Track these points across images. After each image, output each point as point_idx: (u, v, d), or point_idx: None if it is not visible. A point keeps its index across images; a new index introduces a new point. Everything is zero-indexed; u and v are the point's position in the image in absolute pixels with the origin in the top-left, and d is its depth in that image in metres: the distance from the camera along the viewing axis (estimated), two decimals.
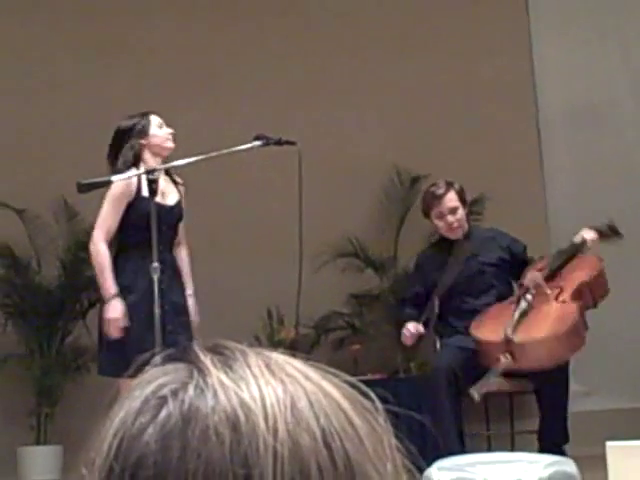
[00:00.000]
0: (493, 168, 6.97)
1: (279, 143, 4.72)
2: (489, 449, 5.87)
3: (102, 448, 0.66)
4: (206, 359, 0.68)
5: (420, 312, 5.66)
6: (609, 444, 4.50)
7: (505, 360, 5.14)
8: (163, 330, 4.64)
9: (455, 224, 5.75)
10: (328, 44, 7.26)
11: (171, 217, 4.97)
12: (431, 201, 5.79)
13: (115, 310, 4.75)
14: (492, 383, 5.24)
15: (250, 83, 7.18)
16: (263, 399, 0.65)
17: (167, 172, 5.00)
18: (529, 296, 5.45)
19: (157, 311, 4.29)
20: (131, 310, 4.74)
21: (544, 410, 5.40)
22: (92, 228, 6.83)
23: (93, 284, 6.85)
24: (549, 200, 7.22)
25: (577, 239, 5.73)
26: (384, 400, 0.72)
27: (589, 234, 5.76)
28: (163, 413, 0.65)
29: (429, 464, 3.63)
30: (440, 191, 5.76)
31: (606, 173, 7.24)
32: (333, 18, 7.32)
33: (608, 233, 5.88)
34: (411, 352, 6.66)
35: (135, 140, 4.90)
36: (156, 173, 4.41)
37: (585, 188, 7.22)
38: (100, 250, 4.83)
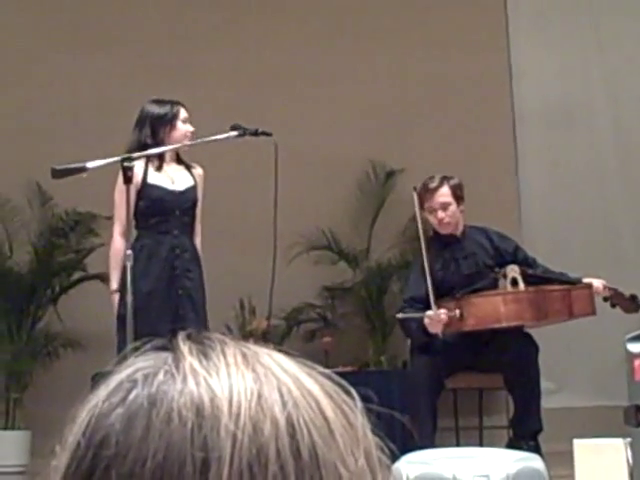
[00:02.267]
0: (468, 164, 6.99)
1: (255, 134, 4.72)
2: (458, 444, 5.91)
3: (75, 426, 0.68)
4: (184, 347, 0.69)
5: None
6: (576, 441, 4.55)
7: (452, 314, 5.26)
8: (176, 315, 4.82)
9: (446, 219, 5.62)
10: (306, 37, 7.26)
11: (182, 202, 5.05)
12: (424, 194, 5.66)
13: (113, 306, 4.91)
14: (419, 317, 5.37)
15: (227, 74, 7.17)
16: (231, 386, 0.66)
17: (179, 158, 5.15)
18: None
19: (129, 299, 4.29)
20: (145, 296, 4.79)
21: (517, 399, 5.41)
22: (66, 214, 6.88)
23: (65, 269, 6.86)
24: (522, 198, 7.26)
25: (586, 279, 5.70)
26: (366, 398, 0.73)
27: (601, 286, 5.71)
28: (132, 395, 0.66)
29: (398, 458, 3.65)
30: (433, 185, 5.65)
31: (579, 172, 7.29)
32: (311, 11, 7.32)
33: (626, 298, 5.75)
34: (383, 345, 6.69)
35: (160, 127, 5.02)
36: (133, 161, 4.41)
37: (558, 187, 7.26)
38: (112, 245, 5.01)
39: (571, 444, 4.53)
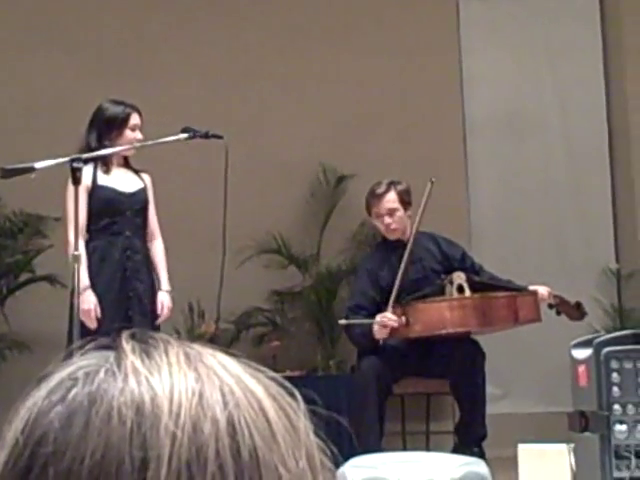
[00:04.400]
0: (418, 171, 7.02)
1: (206, 136, 4.73)
2: (404, 448, 5.93)
3: (14, 424, 0.67)
4: (127, 346, 0.69)
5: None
6: (521, 446, 4.59)
7: (399, 320, 5.27)
8: (125, 317, 4.84)
9: (392, 225, 5.66)
10: (259, 40, 7.26)
11: (133, 203, 5.09)
12: (371, 199, 5.71)
13: (88, 301, 4.83)
14: (364, 324, 5.42)
15: (180, 75, 7.15)
16: (172, 386, 0.66)
17: (126, 162, 5.17)
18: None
19: (75, 301, 4.27)
20: (99, 298, 4.87)
21: (462, 405, 5.44)
22: (14, 214, 6.82)
23: (13, 271, 6.80)
24: (472, 205, 7.31)
25: (532, 287, 5.73)
26: (311, 400, 0.73)
27: (545, 290, 5.75)
28: (72, 393, 0.66)
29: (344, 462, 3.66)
30: (380, 190, 5.68)
31: (528, 180, 7.35)
32: (264, 13, 7.31)
33: (571, 305, 5.82)
34: (331, 350, 6.70)
35: (107, 132, 5.03)
36: (81, 162, 4.39)
37: (508, 194, 7.32)
38: (69, 247, 4.94)
39: (516, 449, 4.58)
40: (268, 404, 0.68)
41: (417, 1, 7.39)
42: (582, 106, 7.46)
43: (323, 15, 7.31)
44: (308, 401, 0.72)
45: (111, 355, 0.69)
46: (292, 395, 0.71)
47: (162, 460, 0.63)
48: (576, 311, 5.82)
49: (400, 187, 5.74)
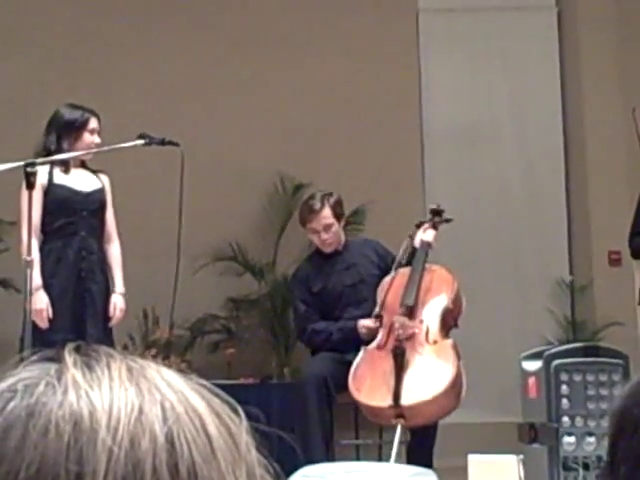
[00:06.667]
0: (376, 180, 7.06)
1: (162, 143, 4.72)
2: (358, 458, 5.93)
3: None
4: (70, 358, 0.69)
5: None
6: (471, 457, 4.62)
7: (399, 424, 5.06)
8: (79, 320, 4.85)
9: (329, 240, 5.81)
10: (217, 46, 7.25)
11: (89, 203, 5.08)
12: (307, 215, 5.85)
13: (40, 301, 4.81)
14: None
15: (138, 81, 7.12)
16: (111, 400, 0.65)
17: (83, 164, 5.17)
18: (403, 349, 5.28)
19: (27, 306, 4.25)
20: (54, 299, 4.85)
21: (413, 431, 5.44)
22: None
23: None
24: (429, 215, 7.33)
25: (419, 245, 5.62)
26: (255, 419, 0.73)
27: (428, 234, 5.70)
28: (10, 405, 0.66)
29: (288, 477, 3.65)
30: (316, 207, 5.79)
31: (484, 190, 7.40)
32: (223, 21, 7.31)
33: (438, 221, 5.83)
34: (286, 358, 6.70)
35: (65, 136, 5.02)
36: (35, 167, 4.37)
37: (464, 204, 7.35)
38: (24, 249, 4.92)
39: (466, 459, 4.60)
40: (209, 420, 0.67)
41: (376, 12, 7.42)
42: (538, 118, 7.52)
43: (281, 25, 7.32)
44: (250, 417, 0.73)
45: (53, 367, 0.68)
46: (235, 411, 0.71)
47: (98, 475, 0.63)
48: (441, 220, 5.86)
49: (332, 200, 5.84)
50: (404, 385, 5.11)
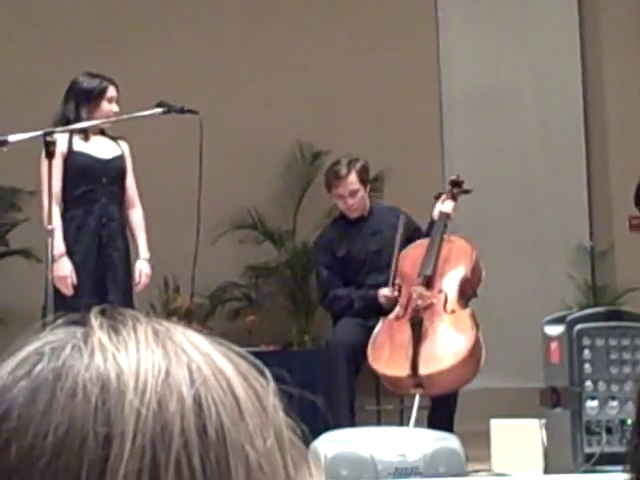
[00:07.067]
0: (394, 146, 7.04)
1: (181, 111, 4.72)
2: (379, 424, 5.95)
3: None
4: (96, 322, 0.68)
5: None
6: (493, 422, 4.63)
7: (417, 393, 5.08)
8: (102, 286, 4.87)
9: (355, 206, 5.79)
10: (235, 16, 7.23)
11: (110, 170, 5.07)
12: (333, 180, 5.81)
13: (64, 268, 4.80)
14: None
15: (156, 50, 7.11)
16: (138, 362, 0.65)
17: (102, 132, 5.14)
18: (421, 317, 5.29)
19: (49, 275, 4.27)
20: (77, 267, 4.85)
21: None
22: None
23: None
24: (447, 181, 7.31)
25: (438, 216, 5.64)
26: (281, 379, 0.73)
27: (447, 205, 5.70)
28: (37, 368, 0.66)
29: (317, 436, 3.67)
30: (342, 173, 5.76)
31: (504, 156, 7.38)
32: None
33: (457, 192, 5.82)
34: (306, 325, 6.72)
35: (84, 104, 4.99)
36: (54, 135, 4.37)
37: (483, 170, 7.34)
38: (46, 216, 4.90)
39: (488, 424, 4.61)
40: (237, 382, 0.67)
41: None
42: (558, 84, 7.48)
43: None
44: (279, 379, 0.72)
45: (79, 331, 0.68)
46: (262, 374, 0.70)
47: (126, 437, 0.62)
48: (461, 191, 5.85)
49: (359, 165, 5.81)
50: (422, 355, 5.13)
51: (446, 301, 5.36)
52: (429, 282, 5.40)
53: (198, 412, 0.64)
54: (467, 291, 5.49)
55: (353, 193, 5.77)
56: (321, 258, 5.88)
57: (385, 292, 5.56)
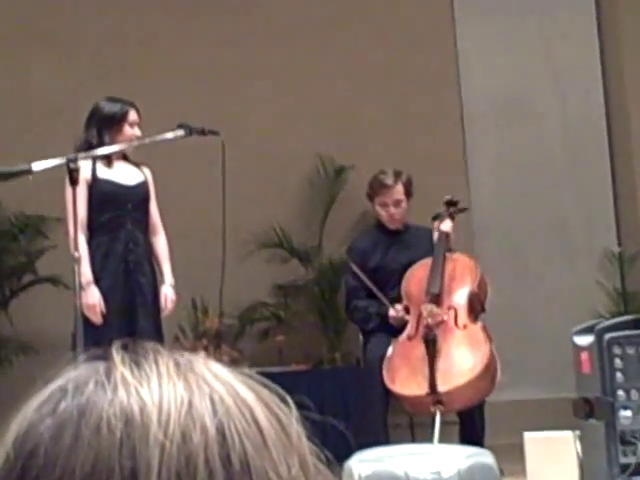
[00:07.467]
0: (417, 160, 7.02)
1: (202, 133, 4.73)
2: (413, 440, 5.93)
3: (5, 437, 0.68)
4: (117, 356, 0.70)
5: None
6: (527, 435, 4.59)
7: (438, 411, 5.11)
8: (130, 311, 4.90)
9: (397, 216, 5.89)
10: (255, 32, 7.25)
11: (134, 196, 5.11)
12: (378, 189, 5.91)
13: (92, 296, 4.84)
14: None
15: (175, 72, 7.14)
16: (161, 395, 0.66)
17: (125, 156, 5.18)
18: (434, 335, 5.32)
19: (77, 302, 4.28)
20: (104, 294, 4.89)
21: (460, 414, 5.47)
22: (15, 216, 6.83)
23: (15, 273, 6.80)
24: (472, 193, 7.30)
25: (438, 237, 5.73)
26: (305, 407, 0.73)
27: (446, 225, 5.78)
28: (62, 405, 0.67)
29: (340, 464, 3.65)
30: (389, 181, 5.89)
31: (528, 166, 7.35)
32: (260, 7, 7.30)
33: (454, 211, 5.90)
34: (336, 342, 6.71)
35: (106, 129, 5.04)
36: (78, 162, 4.39)
37: (507, 181, 7.32)
38: (72, 243, 4.95)
39: (521, 437, 4.58)
40: (259, 411, 0.68)
41: None
42: (579, 90, 7.46)
43: (316, 5, 7.30)
44: (299, 405, 0.72)
45: (101, 366, 0.69)
46: (285, 401, 0.71)
47: (151, 470, 0.63)
48: (457, 210, 5.92)
49: (405, 178, 5.95)
50: (439, 371, 5.17)
51: (457, 317, 5.41)
52: (437, 300, 5.46)
53: (222, 442, 0.65)
54: (476, 305, 5.54)
55: (397, 203, 5.87)
56: (352, 265, 5.84)
57: (391, 313, 5.59)
